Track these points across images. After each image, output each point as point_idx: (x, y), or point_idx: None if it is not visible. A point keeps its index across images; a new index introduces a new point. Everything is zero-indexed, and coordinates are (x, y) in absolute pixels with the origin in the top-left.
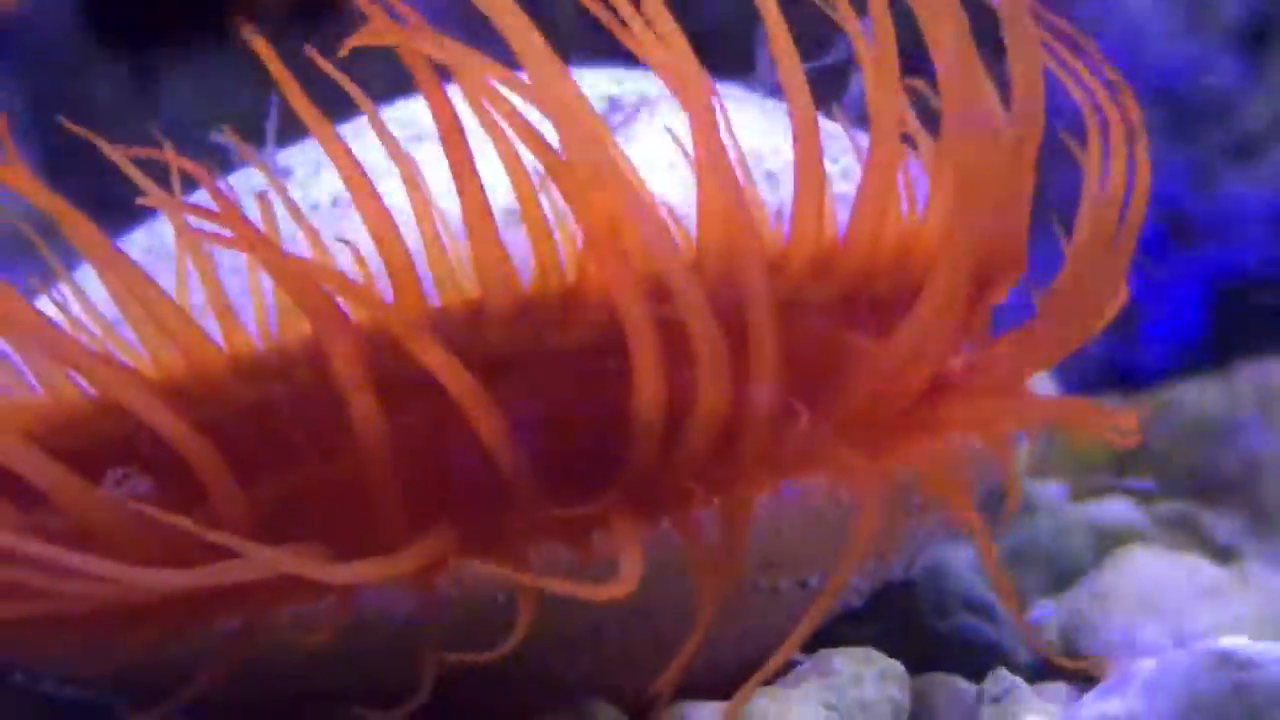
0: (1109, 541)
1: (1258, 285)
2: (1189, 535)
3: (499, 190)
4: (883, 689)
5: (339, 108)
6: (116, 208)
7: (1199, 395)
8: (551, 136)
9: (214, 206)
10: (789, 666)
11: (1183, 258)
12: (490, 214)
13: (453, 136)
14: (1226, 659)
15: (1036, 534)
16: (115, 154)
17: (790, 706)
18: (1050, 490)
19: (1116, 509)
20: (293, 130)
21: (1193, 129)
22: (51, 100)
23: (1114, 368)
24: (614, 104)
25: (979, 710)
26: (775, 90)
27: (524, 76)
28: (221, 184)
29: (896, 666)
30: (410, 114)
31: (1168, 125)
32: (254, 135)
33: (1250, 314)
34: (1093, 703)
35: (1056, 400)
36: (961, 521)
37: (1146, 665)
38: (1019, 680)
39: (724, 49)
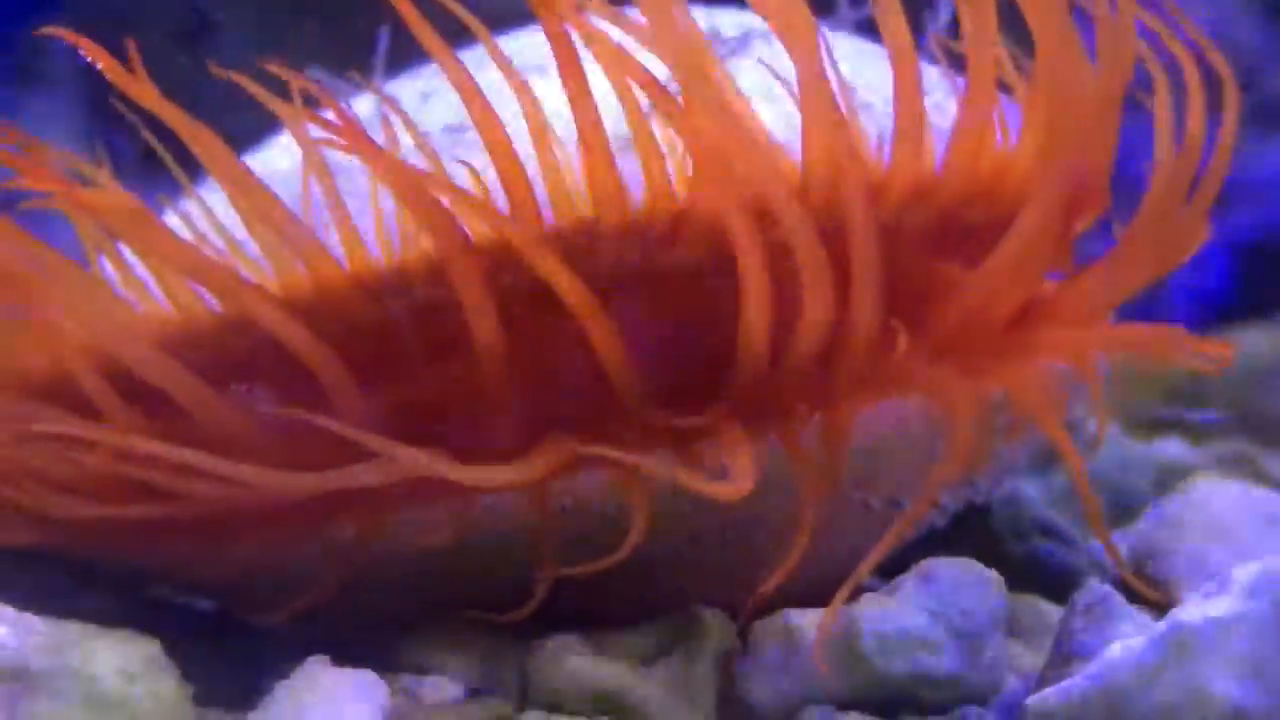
0: (1168, 476)
1: None
2: (1244, 471)
3: (610, 118)
4: (983, 598)
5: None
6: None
7: (1247, 339)
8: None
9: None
10: (877, 587)
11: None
12: (605, 136)
13: (570, 62)
14: None
15: (1099, 467)
16: (253, 86)
17: (895, 611)
18: (1109, 428)
19: (1174, 446)
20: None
21: (1217, 94)
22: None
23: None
24: (716, 37)
25: (1072, 619)
26: (861, 26)
27: (634, 10)
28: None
29: (996, 576)
30: (516, 47)
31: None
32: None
33: (1274, 275)
34: (1196, 605)
35: (1142, 327)
36: (1052, 440)
37: (1244, 572)
38: (1110, 589)
39: None
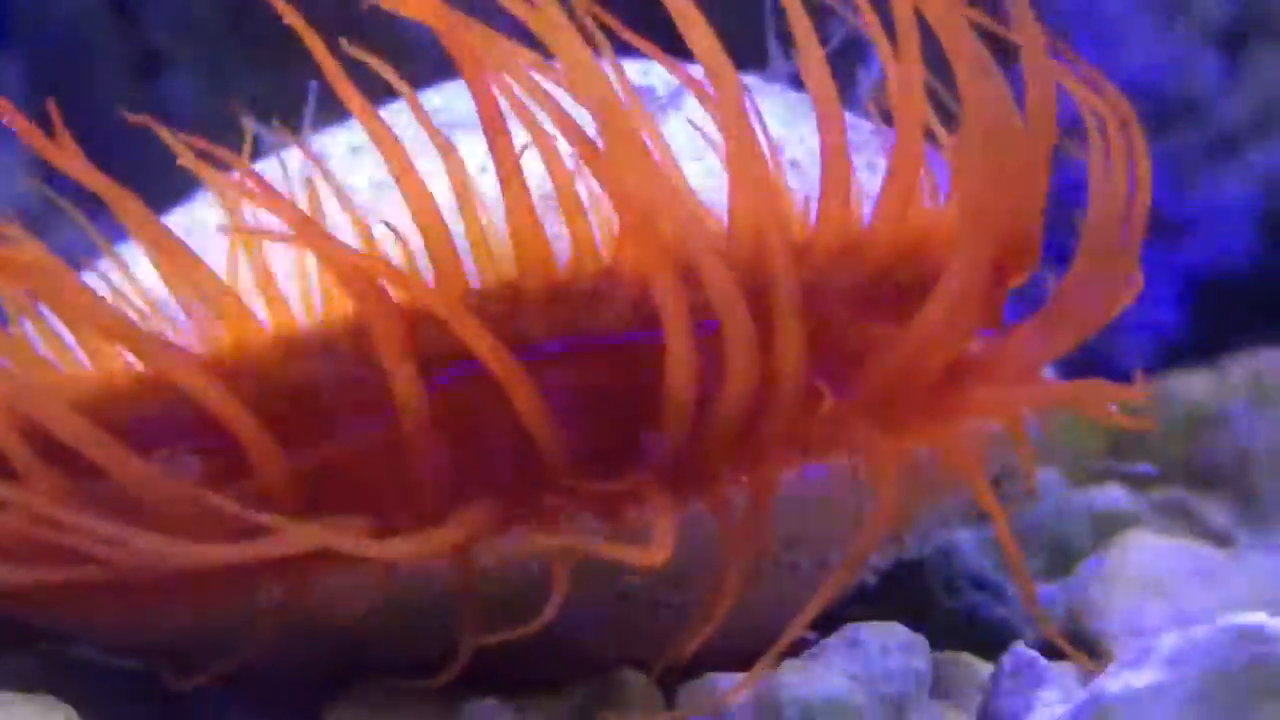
0: (1107, 526)
1: (1235, 283)
2: (1183, 521)
3: (533, 177)
4: (907, 660)
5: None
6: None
7: (1191, 385)
8: (586, 125)
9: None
10: (809, 645)
11: (1161, 255)
12: (529, 194)
13: (494, 122)
14: (1246, 633)
15: (1036, 518)
16: (180, 147)
17: (816, 677)
18: (1049, 476)
19: (1113, 495)
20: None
21: (1171, 127)
22: (52, 85)
23: (1092, 364)
24: (649, 93)
25: (998, 683)
26: (792, 81)
27: (556, 66)
28: (256, 168)
29: (919, 639)
30: (444, 101)
31: (1146, 123)
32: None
33: (1227, 311)
34: (1116, 675)
35: (1070, 383)
36: (978, 500)
37: (1167, 641)
38: (1036, 654)
39: (738, 40)
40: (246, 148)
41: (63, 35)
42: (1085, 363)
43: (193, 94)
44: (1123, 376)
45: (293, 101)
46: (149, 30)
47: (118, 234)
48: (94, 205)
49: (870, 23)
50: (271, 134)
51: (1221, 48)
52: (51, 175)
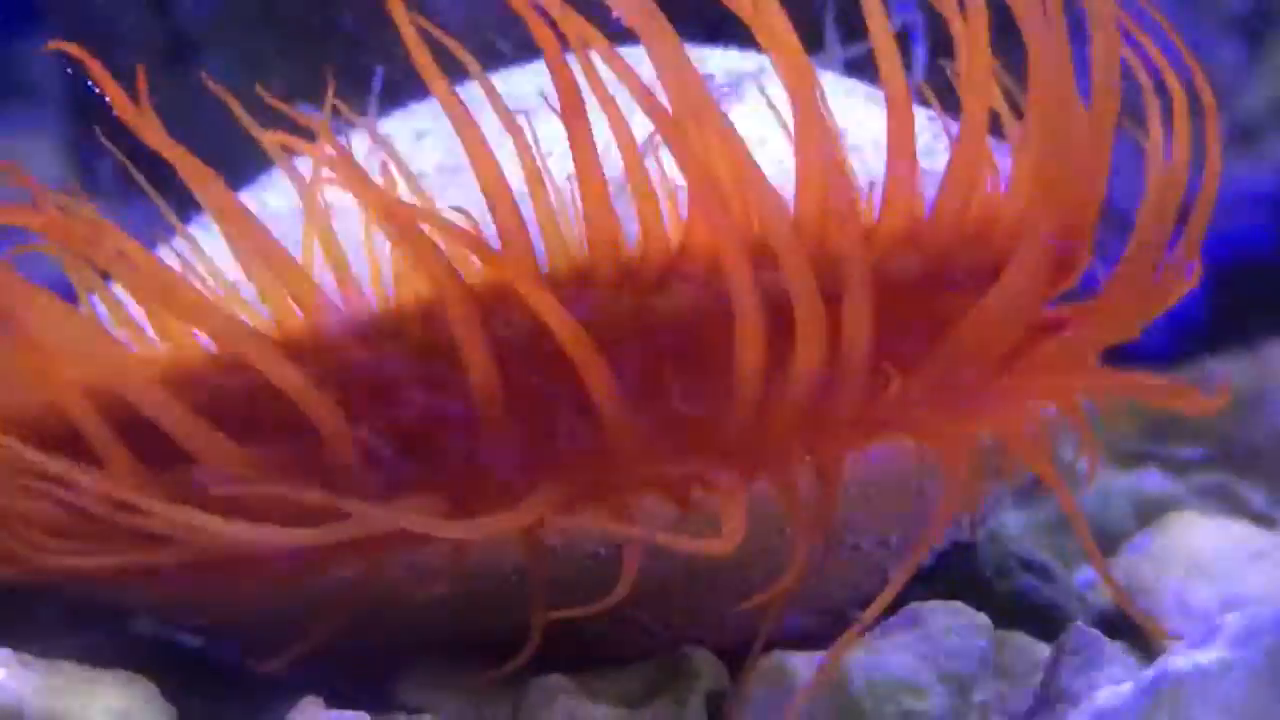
0: (1149, 510)
1: (1257, 270)
2: (1225, 504)
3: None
4: (971, 639)
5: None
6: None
7: (1229, 370)
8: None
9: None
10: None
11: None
12: (603, 178)
13: (572, 100)
14: None
15: (1080, 502)
16: (246, 119)
17: (882, 656)
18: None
19: (1155, 478)
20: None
21: (1191, 116)
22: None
23: (1114, 349)
24: (709, 81)
25: (1059, 662)
26: (850, 66)
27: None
28: (328, 148)
29: (983, 618)
30: (508, 87)
31: (1165, 113)
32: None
33: (1248, 297)
34: (1183, 653)
35: (1130, 372)
36: (1045, 482)
37: (1233, 619)
38: (1097, 632)
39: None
40: (325, 122)
41: (95, 21)
42: (1108, 348)
43: (225, 81)
44: (1144, 361)
45: (324, 89)
46: (181, 17)
47: (151, 221)
48: (128, 192)
49: (947, 6)
50: (334, 120)
51: (1241, 36)
52: (83, 160)
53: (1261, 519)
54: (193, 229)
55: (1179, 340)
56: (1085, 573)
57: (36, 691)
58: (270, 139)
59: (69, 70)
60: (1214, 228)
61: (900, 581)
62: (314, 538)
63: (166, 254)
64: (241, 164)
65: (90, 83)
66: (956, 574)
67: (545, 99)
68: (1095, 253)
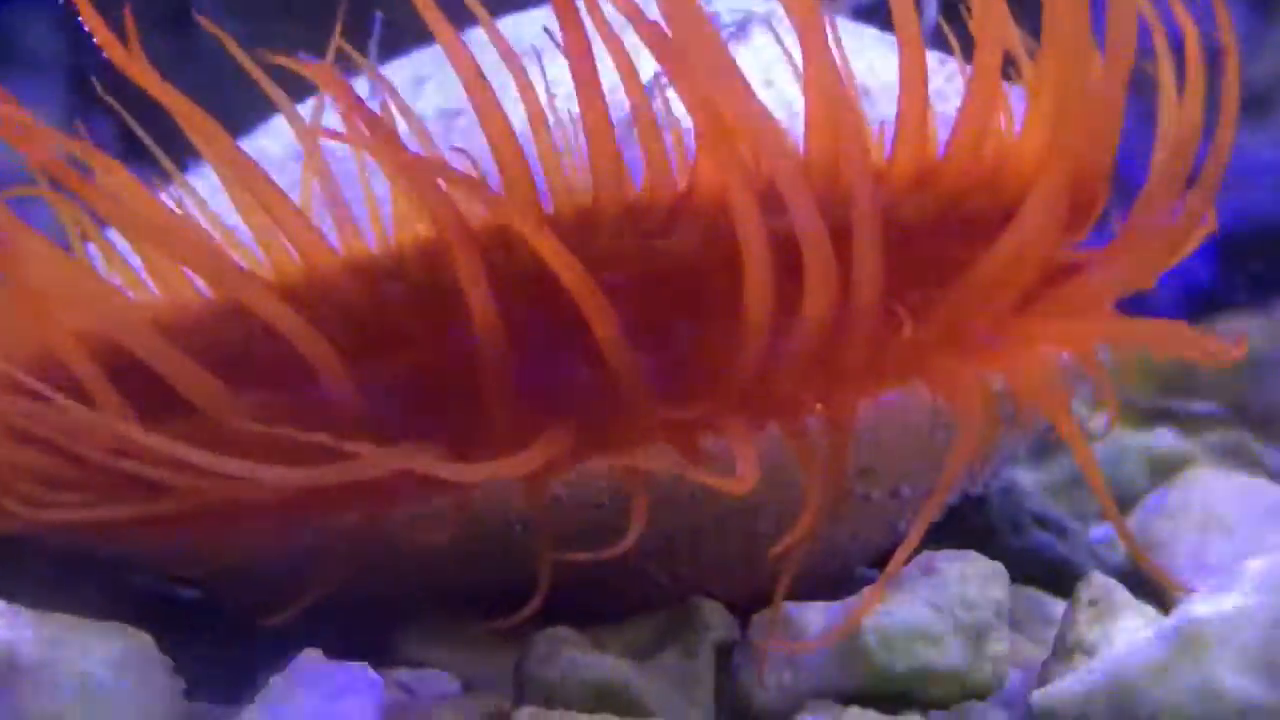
0: (1163, 467)
1: (1266, 237)
2: (1239, 462)
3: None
4: (985, 589)
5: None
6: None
7: (1243, 329)
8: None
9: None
10: (873, 577)
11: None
12: (608, 119)
13: (578, 42)
14: None
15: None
16: (240, 55)
17: (896, 605)
18: (1102, 418)
19: (1169, 436)
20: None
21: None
22: (87, 37)
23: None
24: (715, 21)
25: (1076, 612)
26: (858, 11)
27: None
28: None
29: (998, 567)
30: (510, 30)
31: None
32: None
33: (1257, 264)
34: (1205, 599)
35: (1148, 321)
36: (1060, 429)
37: (1254, 565)
38: (1114, 581)
39: None
40: (327, 64)
41: None
42: (1120, 309)
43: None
44: None
45: (326, 48)
46: None
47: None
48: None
49: None
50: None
51: (1251, 4)
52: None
53: (1276, 477)
54: (189, 178)
55: (1189, 307)
56: (1099, 530)
57: (30, 641)
58: (267, 82)
59: (70, 37)
60: (1224, 197)
61: (916, 536)
62: (314, 479)
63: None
64: (243, 125)
65: (86, 30)
66: (970, 529)
67: (550, 35)
68: (1104, 220)
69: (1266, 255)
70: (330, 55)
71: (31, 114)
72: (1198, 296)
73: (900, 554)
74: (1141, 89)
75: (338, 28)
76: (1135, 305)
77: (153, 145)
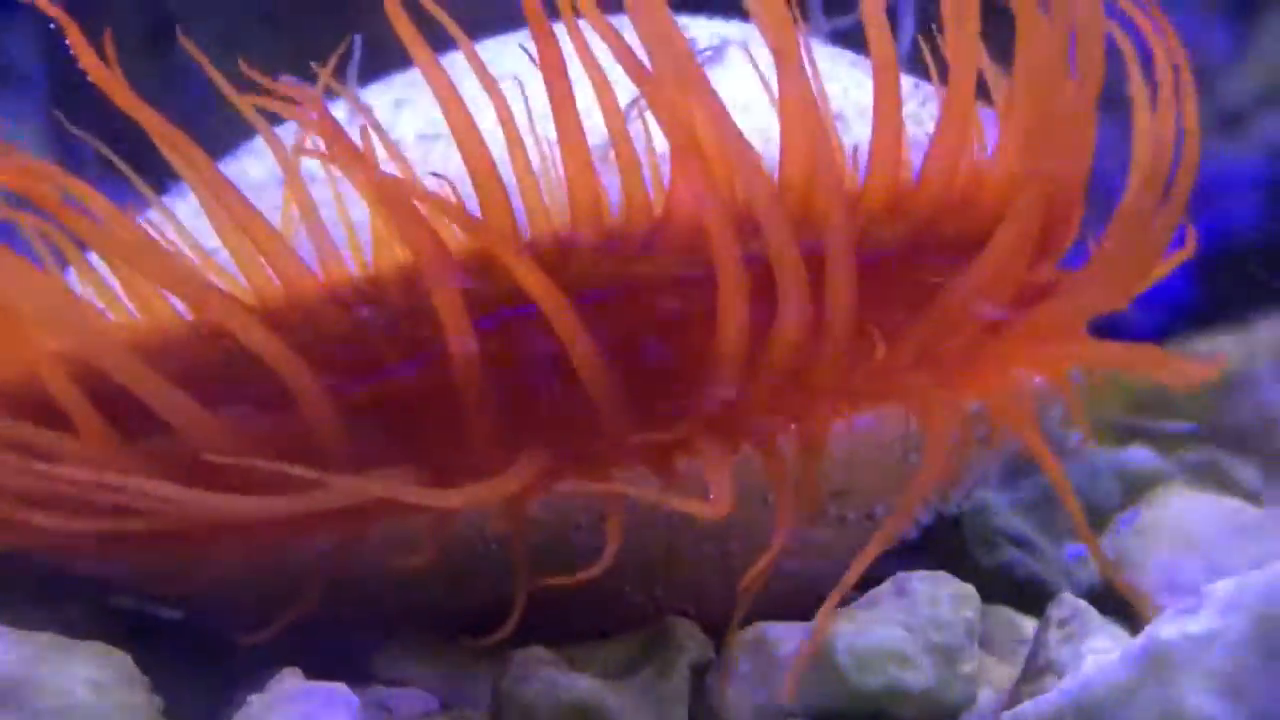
0: (1137, 485)
1: (1244, 252)
2: (1213, 481)
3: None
4: (957, 610)
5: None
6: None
7: (1218, 347)
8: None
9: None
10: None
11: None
12: (586, 145)
13: (555, 66)
14: None
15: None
16: (227, 87)
17: (868, 625)
18: (1075, 437)
19: (1143, 455)
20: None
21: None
22: (66, 55)
23: (1103, 328)
24: (692, 47)
25: (1046, 633)
26: (835, 35)
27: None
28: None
29: (969, 589)
30: (489, 54)
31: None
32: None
33: (1235, 278)
34: (1172, 621)
35: (1120, 344)
36: (1032, 450)
37: (1221, 587)
38: (1085, 603)
39: None
40: (308, 89)
41: (78, 6)
42: (1096, 326)
43: (210, 59)
44: (1135, 340)
45: (307, 69)
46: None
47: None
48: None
49: None
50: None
51: (1231, 19)
52: (68, 147)
53: (1251, 497)
54: (168, 200)
55: (1167, 323)
56: (1073, 548)
57: (11, 661)
58: (250, 104)
59: (50, 54)
60: (1201, 211)
61: (881, 544)
62: (290, 508)
63: (143, 225)
64: (227, 144)
65: (69, 48)
66: (942, 548)
67: (528, 53)
68: (1079, 238)
69: (1243, 270)
70: (320, 87)
71: (10, 129)
72: (1174, 311)
73: (857, 565)
74: (1117, 106)
75: (331, 62)
76: (1112, 318)
77: (130, 169)
